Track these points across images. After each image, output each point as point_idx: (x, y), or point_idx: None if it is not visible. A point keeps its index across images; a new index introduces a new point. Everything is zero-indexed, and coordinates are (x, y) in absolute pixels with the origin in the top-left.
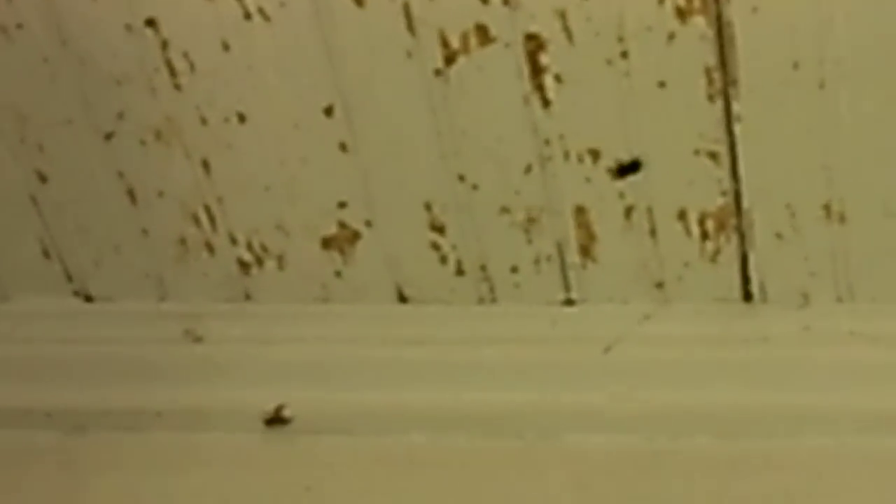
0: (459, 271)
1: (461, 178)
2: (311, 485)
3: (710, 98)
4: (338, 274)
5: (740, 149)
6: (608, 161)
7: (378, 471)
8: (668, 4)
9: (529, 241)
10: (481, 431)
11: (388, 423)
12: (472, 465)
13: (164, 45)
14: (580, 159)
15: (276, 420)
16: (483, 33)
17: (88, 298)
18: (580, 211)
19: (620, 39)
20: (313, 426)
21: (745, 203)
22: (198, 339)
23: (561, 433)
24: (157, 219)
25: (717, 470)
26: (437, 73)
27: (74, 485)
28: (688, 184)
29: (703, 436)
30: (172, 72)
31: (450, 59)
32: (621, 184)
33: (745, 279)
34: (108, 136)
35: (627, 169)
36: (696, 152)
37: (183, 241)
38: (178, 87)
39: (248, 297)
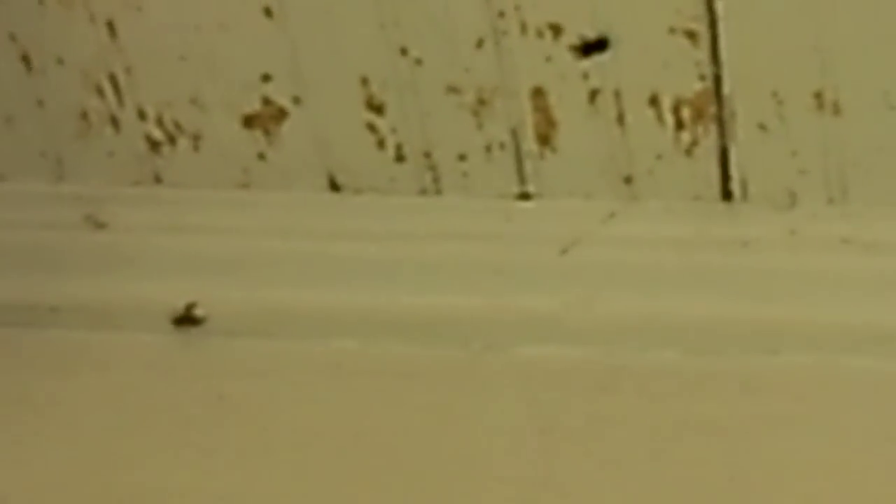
0: (399, 157)
1: (403, 51)
2: (225, 393)
3: None
4: (261, 156)
5: (721, 27)
6: (571, 37)
7: (301, 379)
8: None
9: (480, 126)
10: (420, 339)
11: (314, 327)
12: (407, 376)
13: None
14: (539, 34)
15: (186, 319)
16: None
17: None
18: (538, 93)
19: None
20: (228, 327)
21: (726, 89)
22: (100, 226)
23: (510, 343)
24: (56, 88)
25: (685, 389)
26: None
27: None
28: (661, 66)
29: (671, 350)
30: None
31: None
32: (586, 63)
33: (725, 175)
34: None
35: (593, 47)
36: (672, 30)
37: (84, 115)
38: None
39: (157, 179)
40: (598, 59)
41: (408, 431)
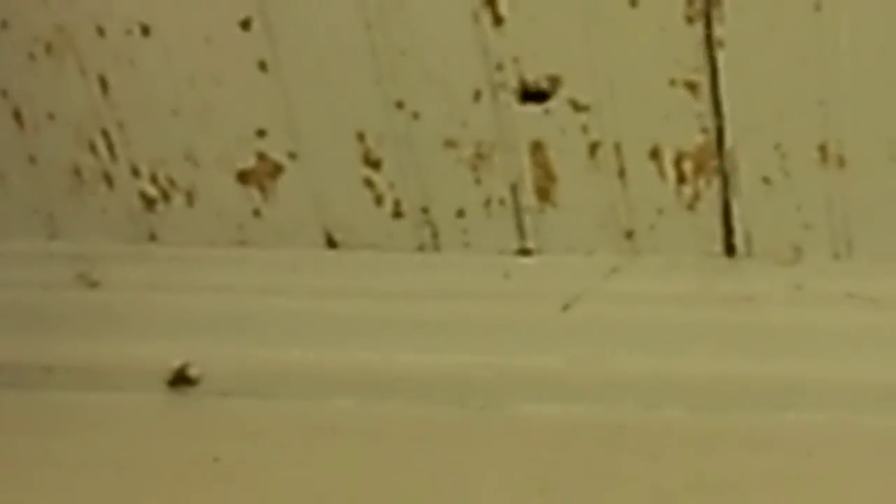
0: (397, 213)
1: (399, 104)
2: (221, 455)
3: (689, 19)
4: (256, 213)
5: (723, 79)
6: (570, 90)
7: (297, 440)
8: None
9: (478, 181)
10: (418, 398)
11: (311, 386)
12: (406, 437)
13: None
14: (538, 87)
15: (180, 380)
16: None
17: None
18: (537, 147)
19: None
20: (224, 387)
21: (729, 142)
22: (93, 285)
23: (511, 401)
24: (48, 145)
25: (691, 447)
26: None
27: None
28: (662, 118)
29: (675, 408)
30: None
31: None
32: (584, 117)
33: (728, 230)
34: None
35: (534, 96)
36: (672, 82)
37: (77, 172)
38: None
39: (152, 237)
40: (544, 107)
41: (406, 492)
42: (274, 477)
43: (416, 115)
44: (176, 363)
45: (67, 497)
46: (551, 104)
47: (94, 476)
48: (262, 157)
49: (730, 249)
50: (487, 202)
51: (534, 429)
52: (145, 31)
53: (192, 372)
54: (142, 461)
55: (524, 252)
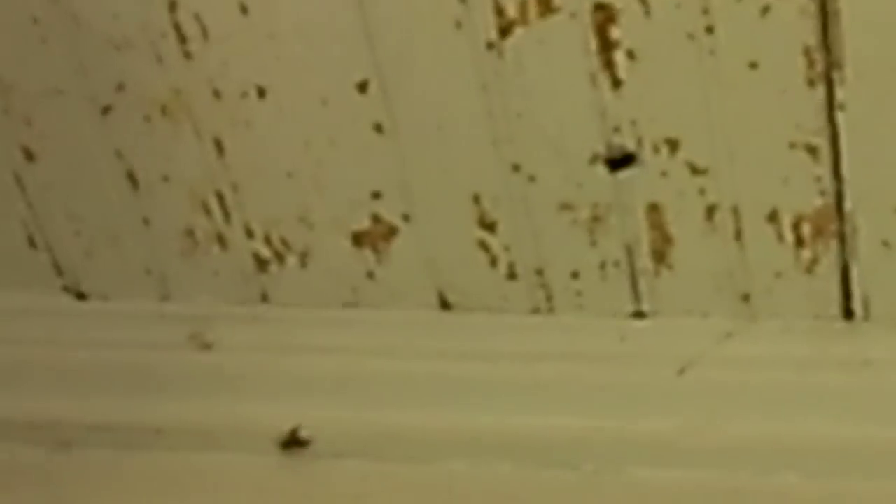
0: (511, 275)
1: (516, 167)
2: None
3: (810, 82)
4: (370, 275)
5: (843, 142)
6: (688, 152)
7: (409, 503)
8: None
9: (594, 243)
10: (531, 460)
11: (424, 449)
12: (518, 500)
13: (173, 5)
14: (655, 149)
15: (293, 442)
16: (545, 1)
17: (80, 296)
18: (654, 209)
19: (705, 11)
20: (336, 449)
21: (848, 205)
22: (206, 346)
23: (624, 465)
24: (161, 206)
25: None
26: (490, 45)
27: None
28: (781, 181)
29: (791, 473)
30: (182, 37)
31: (505, 31)
32: (702, 180)
33: (846, 294)
34: (106, 110)
35: (620, 162)
36: (792, 145)
37: (190, 233)
38: (187, 54)
39: (264, 298)
40: (627, 174)
41: None
42: None
43: (532, 178)
44: (288, 425)
45: None
46: (670, 166)
47: None
48: (376, 218)
49: (848, 313)
50: (603, 265)
51: (647, 493)
52: (261, 93)
53: (304, 434)
54: None
55: (639, 315)
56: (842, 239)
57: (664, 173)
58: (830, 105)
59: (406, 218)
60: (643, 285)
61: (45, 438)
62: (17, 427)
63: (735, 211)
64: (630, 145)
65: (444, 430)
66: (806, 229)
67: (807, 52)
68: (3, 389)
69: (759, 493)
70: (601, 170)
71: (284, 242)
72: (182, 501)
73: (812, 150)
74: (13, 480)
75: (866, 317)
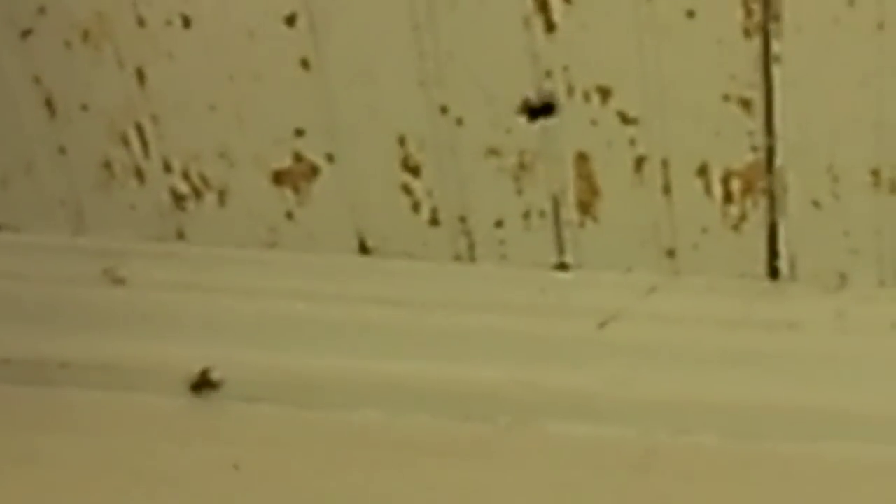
0: (434, 221)
1: (444, 109)
2: (241, 463)
3: (747, 33)
4: (289, 215)
5: (778, 97)
6: (620, 101)
7: (321, 450)
8: None
9: (520, 192)
10: (447, 412)
11: (338, 396)
12: (433, 451)
13: None
14: (587, 97)
15: (203, 384)
16: None
17: None
18: (582, 159)
19: None
20: (247, 393)
21: (779, 162)
22: (118, 282)
23: (541, 419)
24: (79, 136)
25: (723, 475)
26: None
27: None
28: (713, 134)
29: (709, 434)
30: None
31: None
32: (632, 130)
33: (773, 253)
34: (26, 34)
35: (539, 111)
36: (725, 97)
37: (107, 165)
38: None
39: (180, 235)
40: (547, 123)
41: None
42: (294, 487)
43: (459, 121)
44: (199, 366)
45: (78, 498)
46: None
47: (107, 478)
48: (298, 157)
49: (773, 273)
50: (527, 214)
51: (562, 448)
52: (186, 22)
53: (215, 376)
54: (159, 465)
55: (562, 267)
56: (771, 196)
57: (594, 122)
58: (766, 58)
59: (329, 158)
60: (567, 236)
61: None
62: None
63: (664, 163)
64: (554, 94)
65: (359, 378)
66: (735, 185)
67: (745, 1)
68: None
69: (675, 452)
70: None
71: (203, 178)
72: (86, 438)
73: (745, 104)
74: None
75: (792, 277)
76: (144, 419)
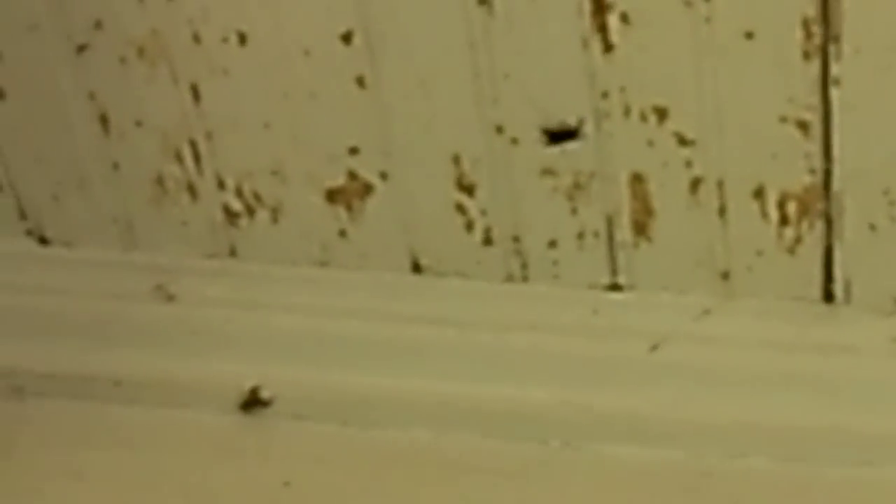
0: (487, 241)
1: (499, 129)
2: (291, 480)
3: (806, 55)
4: (342, 233)
5: (836, 119)
6: (676, 123)
7: (370, 470)
8: None
9: (574, 212)
10: (497, 432)
11: (388, 414)
12: (482, 471)
13: None
14: (643, 118)
15: (253, 401)
16: None
17: (43, 240)
18: (637, 179)
19: None
20: (297, 412)
21: (836, 185)
22: (169, 298)
23: (591, 441)
24: (132, 152)
25: (776, 498)
26: (481, 1)
27: (4, 456)
28: (769, 157)
29: (762, 457)
30: None
31: None
32: (688, 151)
33: (828, 276)
34: (81, 49)
35: (561, 136)
36: (783, 119)
37: (160, 181)
38: None
39: (232, 252)
40: (570, 147)
41: None
42: None
43: (514, 141)
44: (249, 384)
45: None
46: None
47: (156, 495)
48: (352, 175)
49: (828, 296)
50: (581, 234)
51: (613, 471)
52: (242, 39)
53: (265, 394)
54: (208, 483)
55: (615, 287)
56: (827, 219)
57: (650, 143)
58: (825, 80)
59: (383, 176)
60: (621, 257)
61: None
62: None
63: (720, 185)
64: (572, 121)
65: (409, 397)
66: (791, 208)
67: (805, 23)
68: None
69: (728, 475)
70: (587, 136)
71: (256, 196)
72: (136, 455)
73: (803, 126)
74: None
75: (847, 301)
76: (194, 437)
